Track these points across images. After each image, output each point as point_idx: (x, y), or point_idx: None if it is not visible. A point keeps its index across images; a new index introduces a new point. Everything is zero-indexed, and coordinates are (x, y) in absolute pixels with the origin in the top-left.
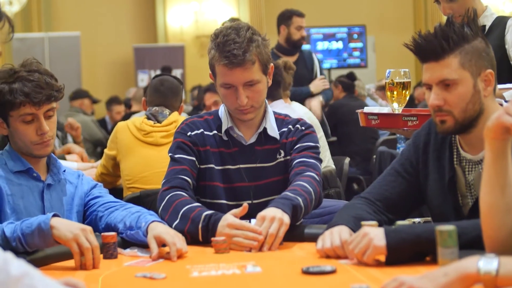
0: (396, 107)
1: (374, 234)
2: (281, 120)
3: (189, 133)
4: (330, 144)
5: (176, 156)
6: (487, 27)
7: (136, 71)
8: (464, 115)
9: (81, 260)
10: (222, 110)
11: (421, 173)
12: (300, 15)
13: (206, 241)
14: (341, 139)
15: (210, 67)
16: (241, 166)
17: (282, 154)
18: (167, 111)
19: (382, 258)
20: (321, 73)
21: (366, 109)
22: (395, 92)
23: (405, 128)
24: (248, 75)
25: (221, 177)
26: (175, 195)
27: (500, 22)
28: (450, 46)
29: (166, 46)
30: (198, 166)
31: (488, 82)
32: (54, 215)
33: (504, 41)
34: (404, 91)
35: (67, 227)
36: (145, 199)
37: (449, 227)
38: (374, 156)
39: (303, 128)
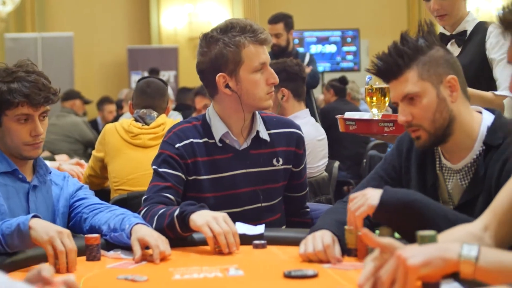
0: (376, 113)
1: (372, 194)
2: (265, 119)
3: (177, 145)
4: None
5: (161, 170)
6: (468, 32)
7: (130, 73)
8: (435, 126)
9: (55, 263)
10: (210, 115)
11: (404, 178)
12: (269, 22)
13: (184, 230)
14: (332, 142)
15: (223, 61)
16: (237, 172)
17: (281, 162)
18: (155, 113)
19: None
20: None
21: (346, 115)
22: (374, 98)
23: (384, 134)
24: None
25: (213, 186)
26: (156, 209)
27: (481, 27)
28: (405, 62)
29: (159, 47)
30: (186, 179)
31: (452, 87)
32: (34, 216)
33: (484, 46)
34: (383, 97)
35: (44, 229)
36: (132, 201)
37: (430, 232)
38: (365, 160)
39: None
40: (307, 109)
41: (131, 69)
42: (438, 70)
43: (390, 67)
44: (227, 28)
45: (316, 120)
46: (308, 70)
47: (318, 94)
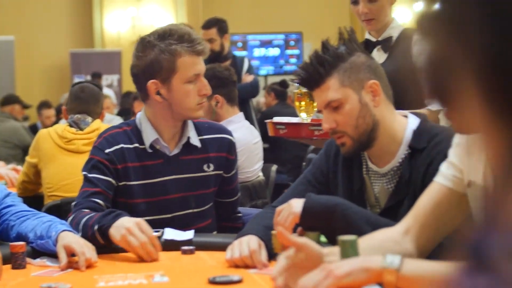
0: (304, 117)
1: (295, 203)
2: (197, 125)
3: (107, 150)
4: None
5: (90, 176)
6: (394, 38)
7: (73, 76)
8: (358, 131)
9: None
10: (141, 121)
11: (332, 182)
12: (202, 27)
13: (107, 242)
14: (273, 145)
15: (157, 68)
16: (167, 178)
17: (212, 168)
18: (89, 119)
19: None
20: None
21: (275, 119)
22: (303, 102)
23: (314, 138)
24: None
25: (143, 192)
26: (81, 215)
27: (407, 34)
28: (326, 70)
29: (102, 51)
30: (116, 184)
31: (375, 92)
32: None
33: (411, 53)
34: (312, 102)
35: None
36: (66, 207)
37: (351, 237)
38: (304, 163)
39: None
40: (241, 113)
41: (74, 73)
42: (359, 76)
43: (312, 76)
44: (165, 35)
45: (253, 124)
46: (250, 78)
47: (260, 97)
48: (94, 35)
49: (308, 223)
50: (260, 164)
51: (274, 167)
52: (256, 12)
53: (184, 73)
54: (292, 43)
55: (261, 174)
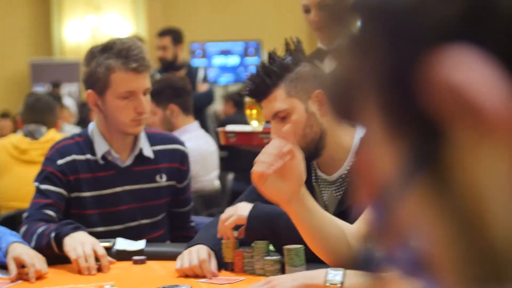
0: (256, 125)
1: (242, 206)
2: (149, 135)
3: (58, 162)
4: (220, 159)
5: (42, 187)
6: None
7: (33, 86)
8: (306, 140)
9: None
10: (93, 132)
11: None
12: (157, 34)
13: (61, 251)
14: (232, 153)
15: (94, 80)
16: (119, 189)
17: (165, 178)
18: (44, 128)
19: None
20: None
21: (227, 127)
22: (254, 111)
23: (264, 146)
24: (148, 82)
25: (96, 203)
26: (35, 227)
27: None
28: (273, 80)
29: (62, 60)
30: (68, 195)
31: (321, 102)
32: None
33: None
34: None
35: None
36: (21, 218)
37: (296, 246)
38: None
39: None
40: (197, 122)
41: (34, 82)
42: (306, 86)
43: (259, 87)
44: (106, 48)
45: (210, 133)
46: (205, 87)
47: (218, 105)
48: (54, 44)
49: (254, 232)
50: (216, 172)
51: (231, 176)
52: (216, 21)
53: (116, 89)
54: (251, 51)
55: (217, 182)
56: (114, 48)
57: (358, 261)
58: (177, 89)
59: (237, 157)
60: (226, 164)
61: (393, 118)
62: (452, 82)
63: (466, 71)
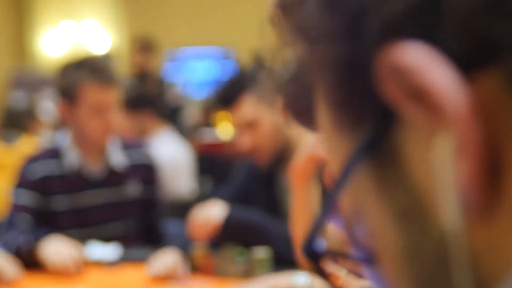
0: (225, 134)
1: (214, 208)
2: (121, 146)
3: (32, 174)
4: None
5: (16, 199)
6: None
7: (11, 92)
8: (272, 149)
9: None
10: (65, 143)
11: (249, 199)
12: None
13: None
14: (206, 160)
15: (65, 92)
16: (92, 202)
17: (136, 190)
18: (19, 134)
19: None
20: None
21: (199, 135)
22: (223, 120)
23: (233, 155)
24: (116, 96)
25: (68, 216)
26: (9, 234)
27: None
28: (241, 90)
29: (41, 67)
30: (42, 208)
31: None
32: None
33: None
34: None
35: None
36: None
37: (262, 256)
38: None
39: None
40: (170, 129)
41: (13, 89)
42: (272, 95)
43: (227, 96)
44: (80, 63)
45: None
46: (177, 93)
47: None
48: (31, 51)
49: (228, 235)
50: (190, 179)
51: (206, 182)
52: (191, 26)
53: (83, 103)
54: (225, 57)
55: (192, 189)
56: (86, 63)
57: (307, 257)
58: (151, 96)
59: (212, 163)
60: (201, 170)
61: (345, 110)
62: (402, 66)
63: (416, 57)
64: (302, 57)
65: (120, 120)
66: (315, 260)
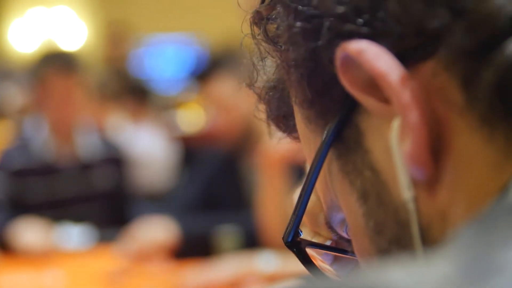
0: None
1: (156, 227)
2: (91, 137)
3: (5, 166)
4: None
5: None
6: None
7: None
8: (240, 134)
9: None
10: (36, 133)
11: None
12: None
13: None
14: (186, 152)
15: (36, 83)
16: (63, 191)
17: (105, 180)
18: None
19: None
20: None
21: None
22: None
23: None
24: (79, 85)
25: (40, 205)
26: None
27: None
28: (218, 70)
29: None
30: (12, 199)
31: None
32: None
33: None
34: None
35: None
36: None
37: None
38: None
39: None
40: (148, 121)
41: None
42: (246, 82)
43: (204, 72)
44: (46, 56)
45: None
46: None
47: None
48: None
49: (186, 248)
50: (168, 172)
51: (184, 174)
52: (162, 12)
53: (48, 94)
54: (196, 43)
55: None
56: (49, 57)
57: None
58: (129, 84)
59: (192, 156)
60: (181, 163)
61: (313, 107)
62: (352, 61)
63: (362, 51)
64: (277, 64)
65: (94, 109)
66: (296, 249)
